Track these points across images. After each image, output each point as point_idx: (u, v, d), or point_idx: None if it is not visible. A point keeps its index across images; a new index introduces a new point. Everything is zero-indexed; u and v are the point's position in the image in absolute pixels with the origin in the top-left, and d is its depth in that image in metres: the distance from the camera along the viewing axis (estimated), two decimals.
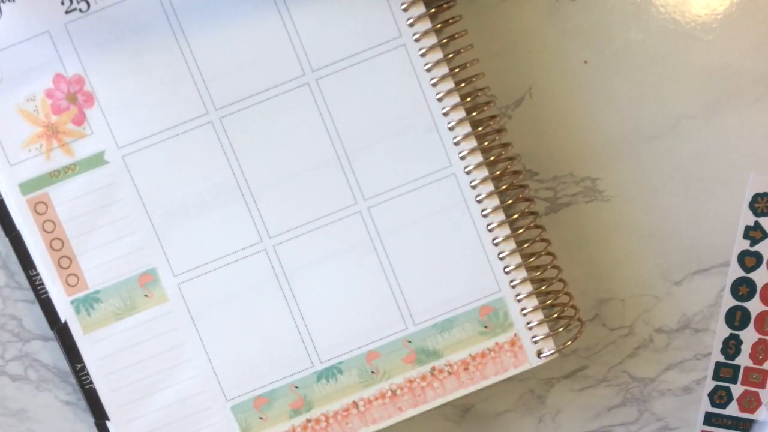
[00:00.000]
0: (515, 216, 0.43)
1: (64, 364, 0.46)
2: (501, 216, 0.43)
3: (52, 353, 0.46)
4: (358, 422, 0.44)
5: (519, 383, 0.48)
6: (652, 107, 0.46)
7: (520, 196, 0.44)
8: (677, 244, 0.47)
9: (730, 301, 0.47)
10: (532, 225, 0.44)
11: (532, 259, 0.43)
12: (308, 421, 0.44)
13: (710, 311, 0.47)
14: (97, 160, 0.42)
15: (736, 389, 0.47)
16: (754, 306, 0.47)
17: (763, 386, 0.47)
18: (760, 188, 0.46)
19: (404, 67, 0.42)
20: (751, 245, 0.46)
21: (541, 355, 0.44)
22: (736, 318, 0.47)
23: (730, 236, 0.47)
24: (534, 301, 0.43)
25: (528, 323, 0.43)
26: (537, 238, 0.44)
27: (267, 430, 0.44)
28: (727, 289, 0.47)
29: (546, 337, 0.43)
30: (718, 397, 0.47)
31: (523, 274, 0.43)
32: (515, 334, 0.44)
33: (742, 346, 0.47)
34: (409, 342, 0.44)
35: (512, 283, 0.43)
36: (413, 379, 0.44)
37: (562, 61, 0.46)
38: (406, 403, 0.44)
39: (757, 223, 0.46)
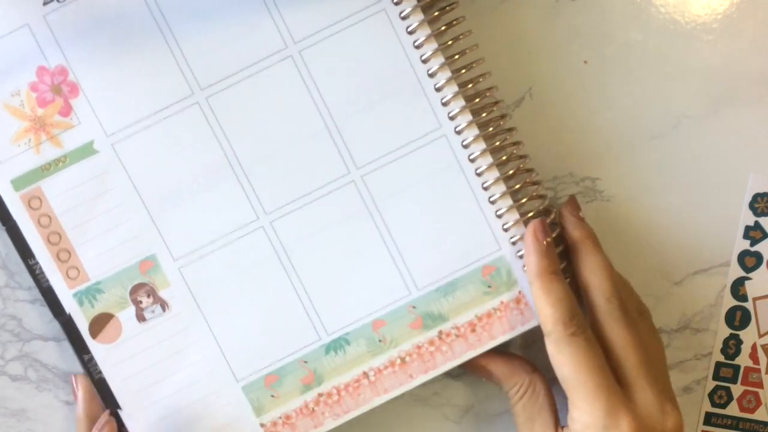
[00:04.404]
0: (510, 172, 0.43)
1: (64, 364, 0.46)
2: (495, 173, 0.43)
3: (52, 353, 0.46)
4: (369, 393, 0.44)
5: None
6: (652, 107, 0.46)
7: (514, 152, 0.43)
8: (677, 244, 0.47)
9: (730, 301, 0.47)
10: (528, 181, 0.44)
11: (530, 214, 0.43)
12: (320, 395, 0.44)
13: (710, 311, 0.47)
14: (86, 150, 0.42)
15: (736, 389, 0.47)
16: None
17: (762, 386, 0.47)
18: (760, 188, 0.46)
19: (386, 31, 0.42)
20: (751, 245, 0.46)
21: None
22: (736, 318, 0.47)
23: (730, 236, 0.47)
24: None
25: None
26: (534, 195, 0.44)
27: (279, 408, 0.44)
28: (728, 289, 0.47)
29: None
30: (718, 396, 0.48)
31: (522, 229, 0.43)
32: (519, 292, 0.43)
33: (742, 346, 0.47)
34: (414, 308, 0.43)
35: (512, 240, 0.43)
36: (421, 345, 0.44)
37: (562, 61, 0.46)
38: (416, 370, 0.44)
39: (757, 223, 0.46)
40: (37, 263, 0.43)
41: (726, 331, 0.47)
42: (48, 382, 0.46)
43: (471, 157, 0.43)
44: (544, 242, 0.42)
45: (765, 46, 0.46)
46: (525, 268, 0.43)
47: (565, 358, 0.40)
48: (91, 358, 0.43)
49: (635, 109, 0.46)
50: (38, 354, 0.46)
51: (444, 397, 0.48)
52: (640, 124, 0.46)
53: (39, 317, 0.45)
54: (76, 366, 0.46)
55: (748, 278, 0.47)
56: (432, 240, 0.43)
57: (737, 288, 0.47)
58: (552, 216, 0.44)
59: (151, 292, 0.43)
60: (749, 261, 0.47)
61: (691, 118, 0.46)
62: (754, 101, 0.46)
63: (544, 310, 0.41)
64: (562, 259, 0.43)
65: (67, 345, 0.45)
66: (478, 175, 0.43)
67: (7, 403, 0.46)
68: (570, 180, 0.46)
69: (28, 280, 0.45)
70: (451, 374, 0.47)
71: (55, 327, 0.45)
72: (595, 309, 0.42)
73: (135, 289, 0.43)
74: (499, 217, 0.43)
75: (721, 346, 0.47)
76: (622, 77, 0.46)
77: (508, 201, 0.43)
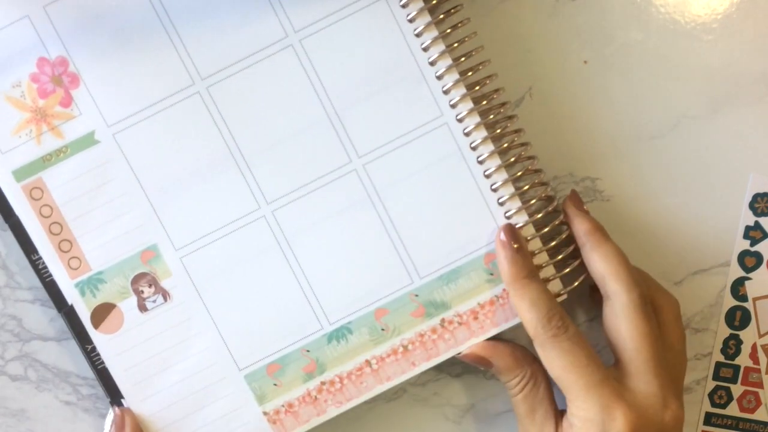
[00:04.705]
0: (512, 160, 0.43)
1: (64, 363, 0.46)
2: (497, 161, 0.43)
3: (52, 353, 0.46)
4: (372, 381, 0.44)
5: None
6: (652, 107, 0.46)
7: (515, 140, 0.43)
8: (677, 244, 0.47)
9: (730, 301, 0.47)
10: (530, 168, 0.44)
11: (532, 202, 0.43)
12: (323, 383, 0.44)
13: (710, 311, 0.47)
14: (88, 141, 0.42)
15: (736, 389, 0.47)
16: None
17: (762, 386, 0.47)
18: (760, 188, 0.46)
19: (387, 20, 0.42)
20: (751, 245, 0.46)
21: None
22: (736, 318, 0.47)
23: (730, 236, 0.47)
24: (538, 244, 0.43)
25: None
26: (536, 182, 0.44)
27: (282, 396, 0.44)
28: (728, 289, 0.47)
29: (553, 278, 0.43)
30: (718, 397, 0.48)
31: (524, 217, 0.43)
32: None
33: (742, 346, 0.47)
34: (416, 296, 0.43)
35: None
36: (424, 333, 0.44)
37: (562, 61, 0.46)
38: (419, 358, 0.44)
39: (757, 223, 0.46)
40: (40, 258, 0.43)
41: (726, 331, 0.47)
42: (48, 382, 0.46)
43: (472, 145, 0.43)
44: (513, 247, 0.42)
45: (765, 46, 0.46)
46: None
47: (551, 361, 0.41)
48: (94, 349, 0.43)
49: (635, 109, 0.46)
50: (38, 354, 0.46)
51: (444, 397, 0.48)
52: (640, 124, 0.46)
53: (39, 317, 0.45)
54: (77, 365, 0.46)
55: (748, 278, 0.47)
56: (434, 228, 0.43)
57: (737, 288, 0.47)
58: (554, 204, 0.44)
59: (153, 282, 0.43)
60: (749, 261, 0.47)
61: (691, 118, 0.46)
62: (754, 101, 0.46)
63: (523, 316, 0.42)
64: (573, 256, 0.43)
65: (67, 345, 0.46)
66: (480, 162, 0.43)
67: (7, 403, 0.46)
68: (570, 180, 0.46)
69: (29, 280, 0.45)
70: (450, 374, 0.47)
71: (55, 327, 0.46)
72: (613, 298, 0.41)
73: (137, 279, 0.43)
74: (501, 204, 0.43)
75: (721, 346, 0.47)
76: (622, 77, 0.46)
77: (510, 189, 0.43)
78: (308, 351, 0.43)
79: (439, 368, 0.47)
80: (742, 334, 0.47)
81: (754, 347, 0.47)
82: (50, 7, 0.41)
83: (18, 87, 0.42)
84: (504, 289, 0.43)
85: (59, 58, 0.42)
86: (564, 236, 0.44)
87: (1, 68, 0.42)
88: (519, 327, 0.44)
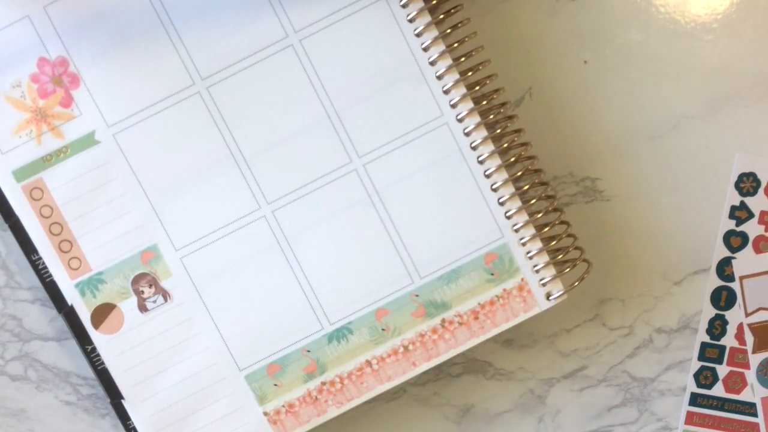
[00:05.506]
0: (512, 160, 0.43)
1: (64, 363, 0.46)
2: (497, 161, 0.43)
3: (52, 353, 0.46)
4: (373, 381, 0.44)
5: (519, 383, 0.48)
6: (652, 107, 0.46)
7: (516, 140, 0.43)
8: (677, 244, 0.47)
9: (715, 281, 0.47)
10: (530, 168, 0.44)
11: (533, 202, 0.43)
12: (323, 384, 0.44)
13: None
14: (88, 141, 0.42)
15: (722, 370, 0.47)
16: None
17: (748, 367, 0.47)
18: (745, 168, 0.46)
19: (387, 19, 0.42)
20: (737, 225, 0.46)
21: (550, 298, 0.43)
22: (722, 298, 0.47)
23: None
24: (538, 244, 0.43)
25: (534, 266, 0.43)
26: (536, 181, 0.44)
27: (282, 397, 0.44)
28: (713, 270, 0.47)
29: (554, 279, 0.43)
30: (704, 377, 0.47)
31: (524, 217, 0.43)
32: (522, 279, 0.43)
33: (728, 327, 0.47)
34: (417, 296, 0.43)
35: (515, 227, 0.43)
36: (424, 333, 0.44)
37: (562, 61, 0.46)
38: (420, 358, 0.44)
39: (742, 202, 0.46)
40: (40, 258, 0.43)
41: (711, 312, 0.47)
42: (48, 382, 0.46)
43: (473, 145, 0.43)
44: None
45: (765, 46, 0.46)
46: (528, 254, 0.43)
47: None
48: (94, 349, 0.43)
49: (635, 109, 0.46)
50: (38, 354, 0.46)
51: (444, 397, 0.48)
52: (640, 124, 0.46)
53: (39, 317, 0.45)
54: (77, 365, 0.46)
55: (734, 257, 0.47)
56: (434, 228, 0.43)
57: (722, 268, 0.47)
58: (555, 203, 0.44)
59: (153, 282, 0.43)
60: (735, 241, 0.46)
61: (691, 118, 0.46)
62: (754, 101, 0.46)
63: None
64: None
65: (67, 345, 0.46)
66: (480, 162, 0.43)
67: (7, 403, 0.46)
68: (570, 180, 0.46)
69: (29, 280, 0.45)
70: (451, 374, 0.47)
71: (55, 327, 0.46)
72: None
73: (137, 279, 0.43)
74: (502, 204, 0.43)
75: (706, 326, 0.47)
76: (622, 77, 0.46)
77: (510, 188, 0.43)
78: (309, 351, 0.43)
79: (439, 368, 0.47)
80: (728, 315, 0.47)
81: (740, 327, 0.47)
82: (50, 7, 0.41)
83: (18, 87, 0.42)
84: (504, 289, 0.43)
85: (59, 58, 0.42)
86: (564, 236, 0.44)
87: (1, 68, 0.42)
88: (519, 327, 0.44)
